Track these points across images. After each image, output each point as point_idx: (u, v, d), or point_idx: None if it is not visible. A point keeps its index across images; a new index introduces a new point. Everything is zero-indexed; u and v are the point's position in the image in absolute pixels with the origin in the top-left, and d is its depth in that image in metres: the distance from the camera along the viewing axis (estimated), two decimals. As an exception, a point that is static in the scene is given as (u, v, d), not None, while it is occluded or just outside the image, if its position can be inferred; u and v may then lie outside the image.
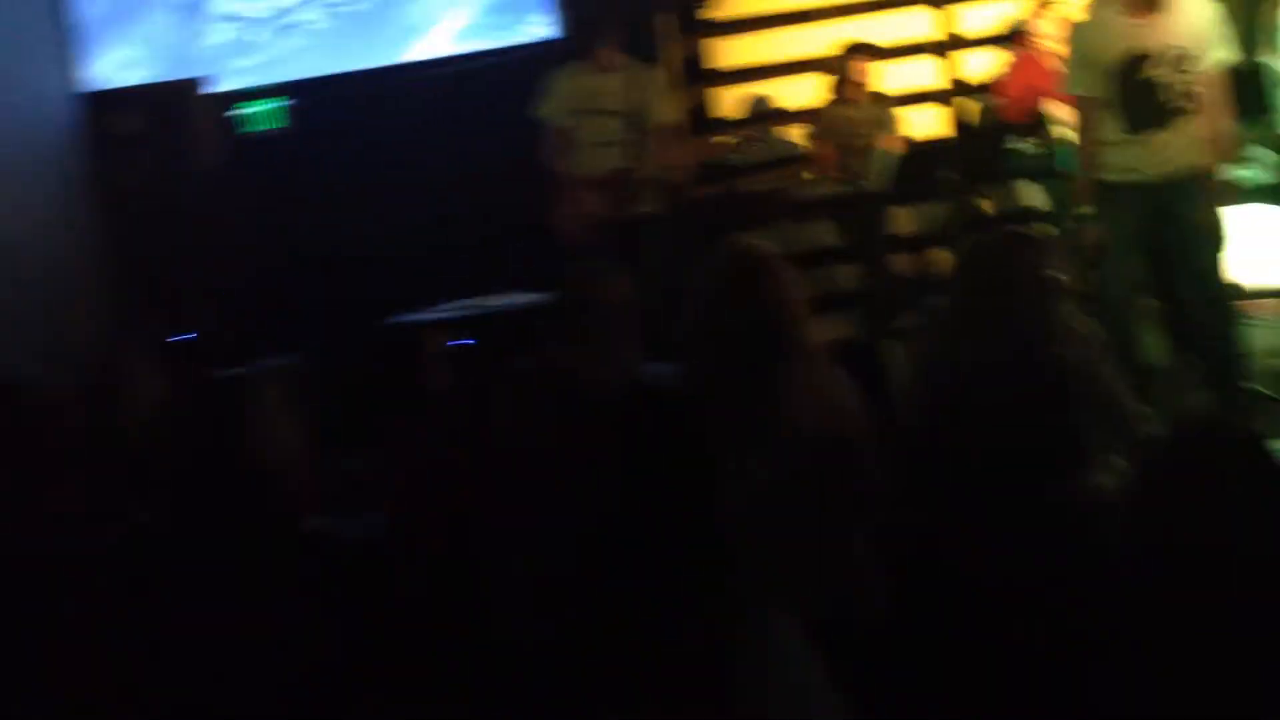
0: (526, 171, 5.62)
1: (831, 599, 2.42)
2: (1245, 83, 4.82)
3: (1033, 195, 5.94)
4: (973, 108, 6.77)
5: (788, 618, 2.22)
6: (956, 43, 6.98)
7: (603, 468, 2.26)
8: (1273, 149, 5.41)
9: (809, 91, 6.53)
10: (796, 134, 6.65)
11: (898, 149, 6.12)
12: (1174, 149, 4.30)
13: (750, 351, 2.58)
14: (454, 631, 2.16)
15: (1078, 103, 4.56)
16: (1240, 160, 4.95)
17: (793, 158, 6.49)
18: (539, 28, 6.84)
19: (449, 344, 3.75)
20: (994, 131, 6.12)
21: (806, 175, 6.40)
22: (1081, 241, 4.42)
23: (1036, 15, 6.05)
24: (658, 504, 2.24)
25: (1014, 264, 2.77)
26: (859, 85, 6.15)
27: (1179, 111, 4.29)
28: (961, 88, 7.00)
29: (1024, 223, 5.63)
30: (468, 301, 5.42)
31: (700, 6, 6.90)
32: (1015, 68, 6.13)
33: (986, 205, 6.13)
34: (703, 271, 2.73)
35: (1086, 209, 4.48)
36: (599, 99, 5.52)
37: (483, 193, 6.22)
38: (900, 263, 6.28)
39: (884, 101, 6.27)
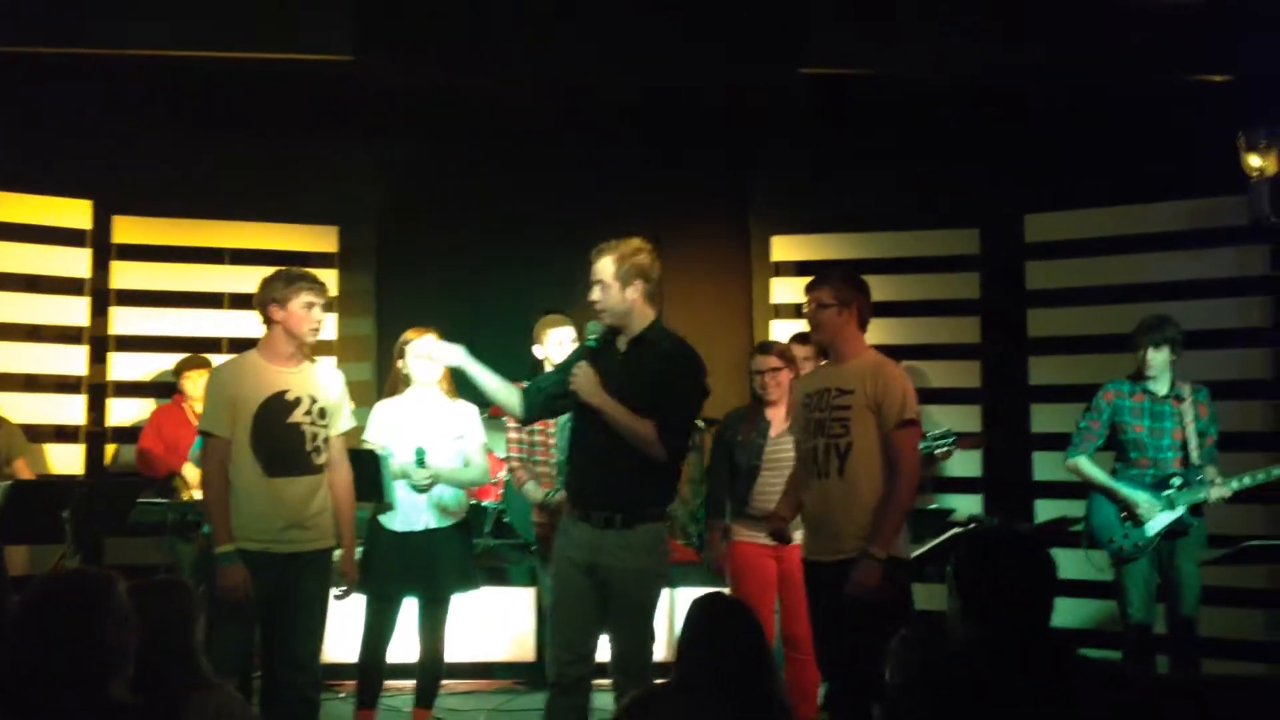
0: None
1: None
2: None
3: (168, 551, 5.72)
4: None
5: None
6: (108, 386, 6.84)
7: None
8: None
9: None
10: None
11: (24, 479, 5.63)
12: None
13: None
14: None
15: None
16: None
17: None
18: None
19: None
20: (127, 481, 5.87)
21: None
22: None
23: (184, 372, 6.08)
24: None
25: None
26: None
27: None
28: (108, 431, 6.80)
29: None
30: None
31: None
32: (156, 419, 6.07)
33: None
34: None
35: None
36: None
37: None
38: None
39: (11, 429, 5.82)
